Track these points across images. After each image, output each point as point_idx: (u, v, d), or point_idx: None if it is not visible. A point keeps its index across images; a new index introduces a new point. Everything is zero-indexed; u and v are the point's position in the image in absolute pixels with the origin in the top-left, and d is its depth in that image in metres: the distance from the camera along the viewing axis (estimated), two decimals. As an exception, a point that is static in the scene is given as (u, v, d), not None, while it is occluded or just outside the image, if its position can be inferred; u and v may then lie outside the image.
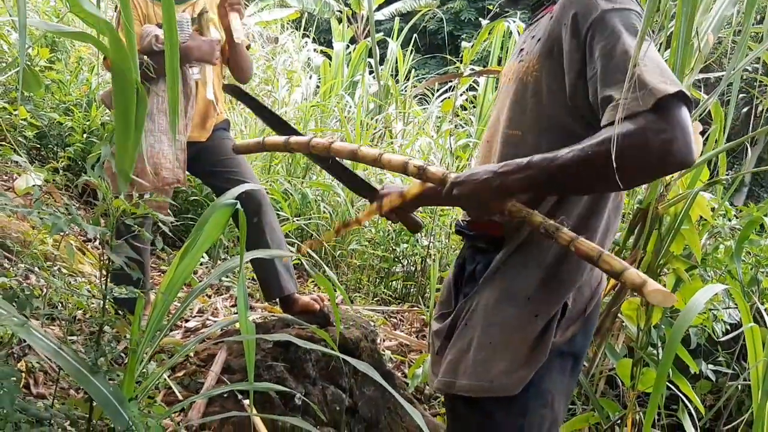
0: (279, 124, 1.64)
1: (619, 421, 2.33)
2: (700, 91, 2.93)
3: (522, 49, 1.40)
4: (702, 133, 2.37)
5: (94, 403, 1.43)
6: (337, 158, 1.49)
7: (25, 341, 1.97)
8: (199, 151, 2.67)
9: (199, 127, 2.70)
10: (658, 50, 1.33)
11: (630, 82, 1.08)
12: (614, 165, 1.05)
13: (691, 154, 1.07)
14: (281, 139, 1.50)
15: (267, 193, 3.99)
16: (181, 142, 2.59)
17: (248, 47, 2.85)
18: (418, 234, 4.14)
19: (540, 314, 1.31)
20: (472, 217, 1.41)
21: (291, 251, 3.26)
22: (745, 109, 6.49)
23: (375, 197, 1.60)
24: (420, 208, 3.43)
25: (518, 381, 1.30)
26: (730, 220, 2.90)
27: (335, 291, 3.67)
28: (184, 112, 2.59)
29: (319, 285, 3.78)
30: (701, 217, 2.21)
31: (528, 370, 1.30)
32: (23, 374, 1.94)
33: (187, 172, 2.77)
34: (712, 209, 2.29)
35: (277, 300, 2.70)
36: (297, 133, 1.53)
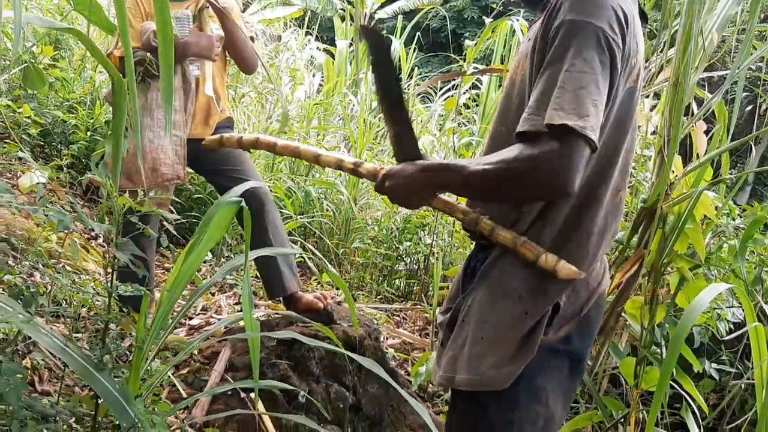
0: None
1: (622, 420, 2.33)
2: (704, 89, 2.93)
3: (519, 49, 1.46)
4: (706, 132, 2.38)
5: (100, 400, 1.43)
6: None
7: (30, 338, 1.98)
8: (203, 149, 2.66)
9: (202, 124, 2.70)
10: (664, 49, 1.35)
11: (546, 101, 1.17)
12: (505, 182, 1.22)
13: (569, 187, 1.16)
14: (234, 137, 1.65)
15: (270, 191, 4.00)
16: (181, 138, 2.58)
17: (252, 39, 2.85)
18: (422, 232, 4.14)
19: (530, 312, 1.33)
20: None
21: (295, 248, 3.26)
22: (748, 108, 6.47)
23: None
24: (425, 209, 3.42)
25: (507, 376, 1.32)
26: (734, 219, 2.90)
27: (338, 289, 3.69)
28: (184, 108, 2.58)
29: (322, 283, 3.79)
30: (705, 216, 2.21)
31: (516, 366, 1.32)
32: (28, 371, 1.94)
33: (190, 170, 2.77)
34: (716, 208, 2.29)
35: (281, 298, 2.70)
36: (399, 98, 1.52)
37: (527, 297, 1.33)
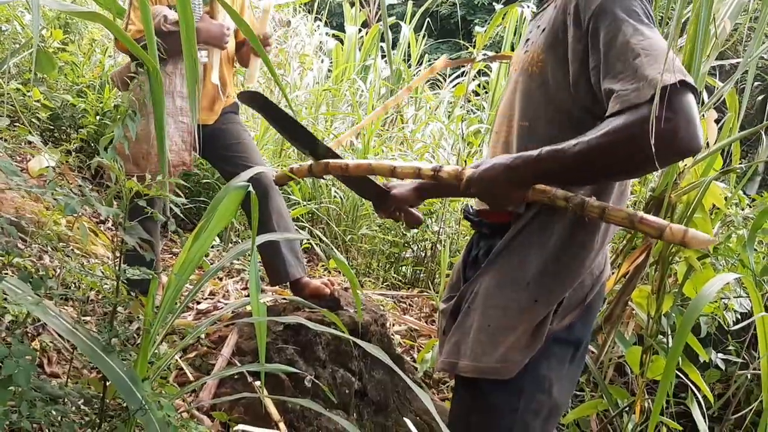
0: (296, 131, 1.66)
1: (627, 409, 2.33)
2: (716, 78, 2.91)
3: (528, 39, 1.41)
4: (717, 121, 2.36)
5: (108, 382, 1.44)
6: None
7: (39, 321, 1.99)
8: (209, 135, 2.67)
9: (207, 110, 2.70)
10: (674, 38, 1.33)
11: (633, 74, 1.11)
12: (617, 154, 1.11)
13: (696, 140, 1.08)
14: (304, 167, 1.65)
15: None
16: (187, 125, 2.58)
17: (268, 43, 2.84)
18: (429, 219, 4.14)
19: (539, 299, 1.32)
20: (492, 209, 1.43)
21: (302, 234, 3.27)
22: (760, 98, 6.42)
23: (387, 199, 1.68)
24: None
25: (514, 365, 1.32)
26: (743, 209, 2.88)
27: (344, 276, 3.70)
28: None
29: (329, 269, 3.80)
30: (714, 205, 2.20)
31: (524, 355, 1.32)
32: (37, 353, 1.96)
33: (197, 155, 2.78)
34: (725, 198, 2.28)
35: (288, 284, 2.71)
36: (313, 139, 1.62)
37: (538, 285, 1.33)
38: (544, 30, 1.32)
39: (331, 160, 1.58)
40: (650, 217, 1.17)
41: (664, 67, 1.08)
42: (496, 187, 1.28)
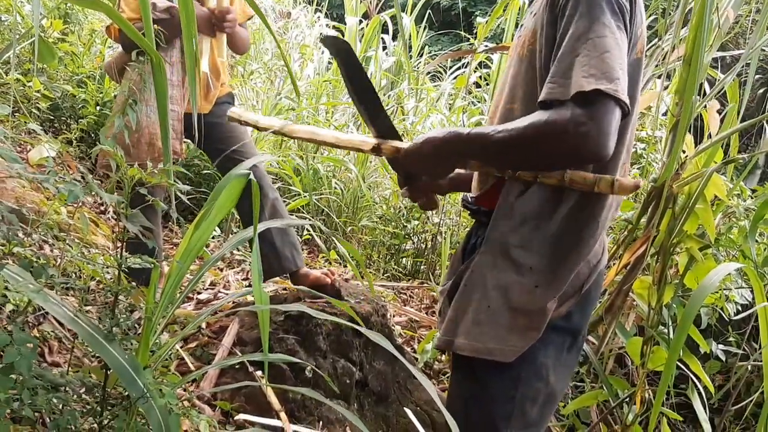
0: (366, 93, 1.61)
1: (627, 399, 2.34)
2: (717, 70, 2.90)
3: (522, 25, 1.44)
4: (718, 113, 2.35)
5: (109, 371, 1.44)
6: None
7: (40, 310, 1.99)
8: (206, 127, 2.62)
9: (202, 98, 2.67)
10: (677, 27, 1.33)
11: (567, 70, 1.17)
12: (532, 148, 1.21)
13: (604, 150, 1.14)
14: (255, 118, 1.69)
15: (281, 168, 4.00)
16: (177, 113, 2.55)
17: (249, 18, 2.83)
18: (430, 211, 4.13)
19: (540, 286, 1.33)
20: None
21: (302, 221, 3.26)
22: (761, 91, 6.40)
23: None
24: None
25: (512, 350, 1.32)
26: (744, 200, 2.88)
27: (345, 267, 3.70)
28: (182, 83, 2.56)
29: (330, 260, 3.80)
30: (716, 196, 2.20)
31: (523, 342, 1.33)
32: (38, 342, 1.96)
33: (196, 147, 2.76)
34: (727, 189, 2.28)
35: (288, 275, 2.71)
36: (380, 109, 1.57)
37: (538, 270, 1.33)
38: (534, 14, 1.35)
39: (284, 124, 1.61)
40: (577, 174, 1.26)
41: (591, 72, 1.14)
42: (429, 158, 1.34)
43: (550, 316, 1.34)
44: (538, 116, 1.19)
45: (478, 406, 1.40)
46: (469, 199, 1.53)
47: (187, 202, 2.72)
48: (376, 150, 1.44)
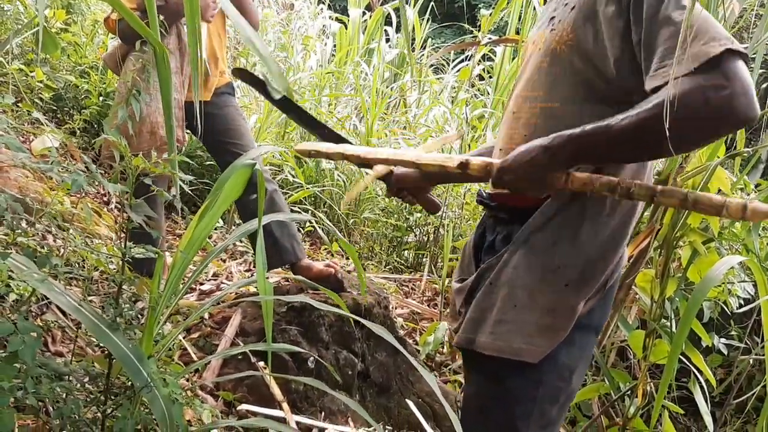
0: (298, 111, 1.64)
1: (629, 392, 2.34)
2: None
3: (553, 17, 1.35)
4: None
5: (113, 360, 1.45)
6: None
7: (44, 300, 1.99)
8: (206, 118, 2.60)
9: (201, 86, 2.65)
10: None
11: (679, 46, 1.05)
12: (669, 127, 1.02)
13: (753, 109, 1.04)
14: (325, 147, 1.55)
15: (284, 160, 3.99)
16: (178, 101, 2.54)
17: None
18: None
19: (570, 284, 1.28)
20: (532, 194, 1.31)
21: (304, 215, 3.26)
22: (765, 85, 6.37)
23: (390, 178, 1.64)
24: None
25: (537, 350, 1.28)
26: (748, 194, 2.87)
27: (347, 259, 3.70)
28: (180, 70, 2.55)
29: (332, 252, 3.80)
30: (720, 190, 2.19)
31: (549, 341, 1.29)
32: (42, 331, 1.96)
33: (195, 137, 2.75)
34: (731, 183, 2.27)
35: (290, 267, 2.71)
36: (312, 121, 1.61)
37: (567, 268, 1.29)
38: (573, 8, 1.27)
39: (346, 146, 1.53)
40: (704, 196, 1.09)
41: (706, 37, 1.05)
42: (534, 171, 1.20)
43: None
44: (662, 96, 1.05)
45: (498, 405, 1.36)
46: (484, 195, 1.48)
47: (190, 192, 2.71)
48: (463, 166, 1.32)
